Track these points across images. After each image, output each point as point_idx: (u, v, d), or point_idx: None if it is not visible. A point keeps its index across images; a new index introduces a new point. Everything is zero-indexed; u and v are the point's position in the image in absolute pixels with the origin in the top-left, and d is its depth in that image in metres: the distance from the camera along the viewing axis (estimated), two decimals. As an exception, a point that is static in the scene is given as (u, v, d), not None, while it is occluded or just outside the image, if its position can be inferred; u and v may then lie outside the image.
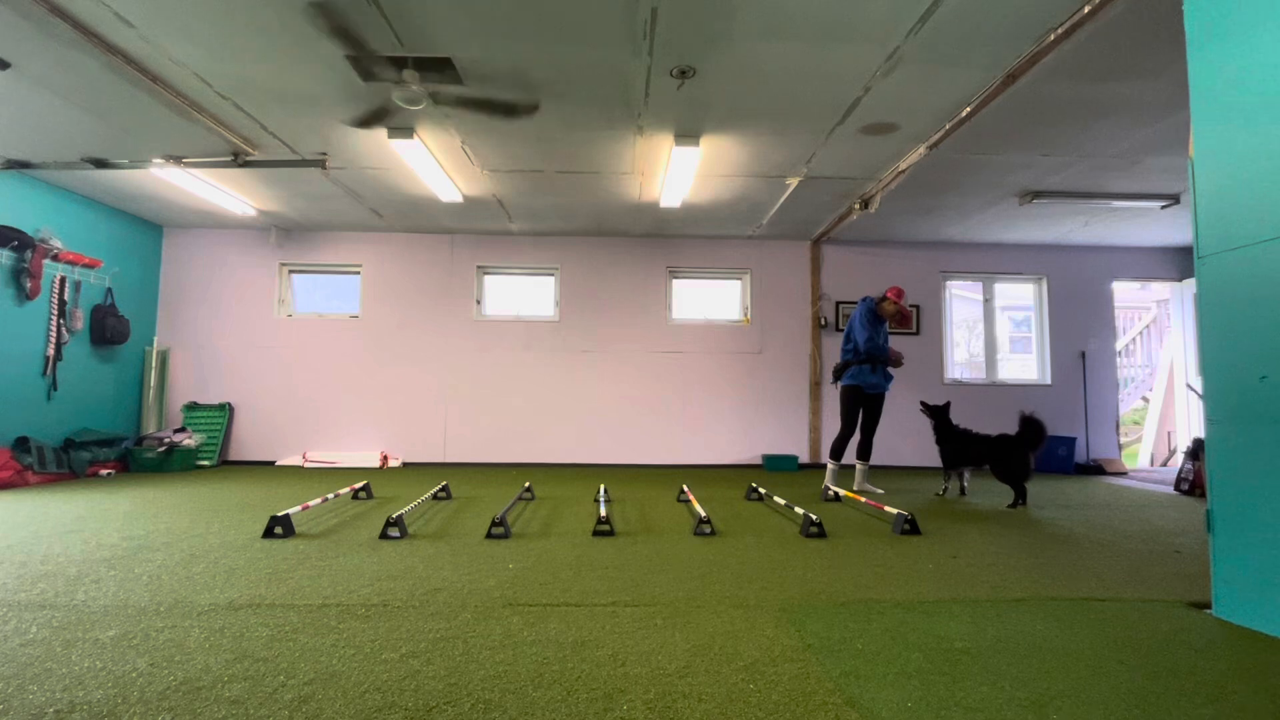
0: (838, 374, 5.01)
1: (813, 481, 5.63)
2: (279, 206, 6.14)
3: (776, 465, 6.68)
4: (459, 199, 5.70)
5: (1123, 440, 7.83)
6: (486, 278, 7.15)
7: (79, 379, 5.87)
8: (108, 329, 6.00)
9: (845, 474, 6.10)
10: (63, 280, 5.62)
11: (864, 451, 5.01)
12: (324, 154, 4.80)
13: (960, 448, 4.67)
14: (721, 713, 1.46)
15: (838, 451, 4.96)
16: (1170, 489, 5.49)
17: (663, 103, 3.92)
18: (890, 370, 4.94)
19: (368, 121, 4.19)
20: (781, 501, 4.18)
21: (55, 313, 5.55)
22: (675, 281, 7.21)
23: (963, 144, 4.47)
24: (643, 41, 3.26)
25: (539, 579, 2.51)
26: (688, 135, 4.38)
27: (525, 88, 3.76)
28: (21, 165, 4.99)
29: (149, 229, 6.72)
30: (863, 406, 4.96)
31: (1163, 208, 5.65)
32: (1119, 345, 8.55)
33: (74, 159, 4.89)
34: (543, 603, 2.22)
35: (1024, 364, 10.84)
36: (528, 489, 4.54)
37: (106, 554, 2.82)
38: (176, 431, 6.32)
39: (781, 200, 5.73)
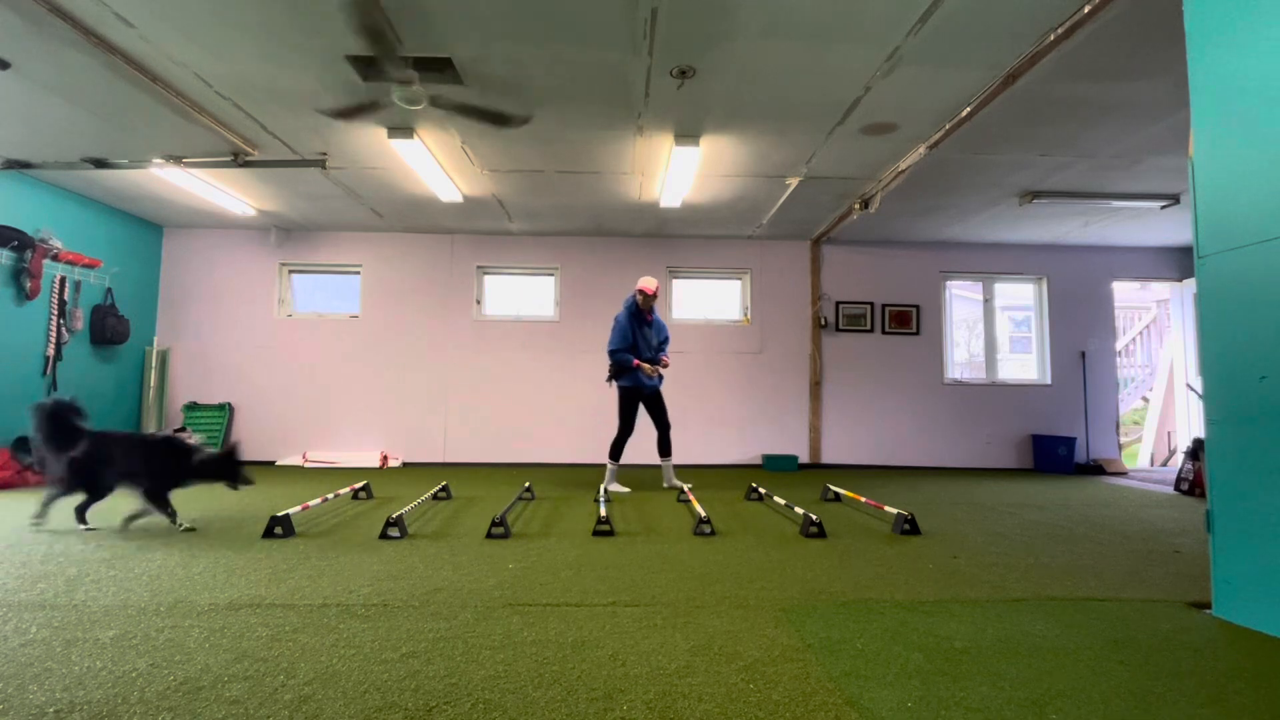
0: (615, 374, 4.93)
1: (813, 481, 5.63)
2: (279, 206, 6.13)
3: (776, 465, 6.67)
4: (459, 199, 5.70)
5: (1123, 440, 7.83)
6: (486, 278, 7.15)
7: (79, 379, 5.86)
8: (108, 329, 5.99)
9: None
10: (63, 280, 5.61)
11: (664, 448, 5.04)
12: (324, 154, 4.79)
13: (92, 459, 3.48)
14: (721, 713, 1.46)
15: (616, 452, 4.97)
16: (1170, 489, 5.49)
17: (663, 103, 3.91)
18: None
19: (351, 113, 4.08)
20: (781, 501, 4.18)
21: (55, 312, 5.55)
22: (675, 281, 7.21)
23: (963, 144, 4.47)
24: (643, 41, 3.26)
25: (539, 579, 2.51)
26: (688, 135, 4.38)
27: (524, 90, 3.75)
28: (21, 165, 4.99)
29: (149, 229, 6.71)
30: (645, 406, 5.00)
31: (1163, 208, 5.65)
32: (1119, 345, 8.55)
33: (74, 159, 4.89)
34: (543, 603, 2.22)
35: (1024, 364, 10.84)
36: (528, 489, 4.54)
37: (106, 554, 2.82)
38: (176, 431, 6.32)
39: (781, 200, 5.73)
